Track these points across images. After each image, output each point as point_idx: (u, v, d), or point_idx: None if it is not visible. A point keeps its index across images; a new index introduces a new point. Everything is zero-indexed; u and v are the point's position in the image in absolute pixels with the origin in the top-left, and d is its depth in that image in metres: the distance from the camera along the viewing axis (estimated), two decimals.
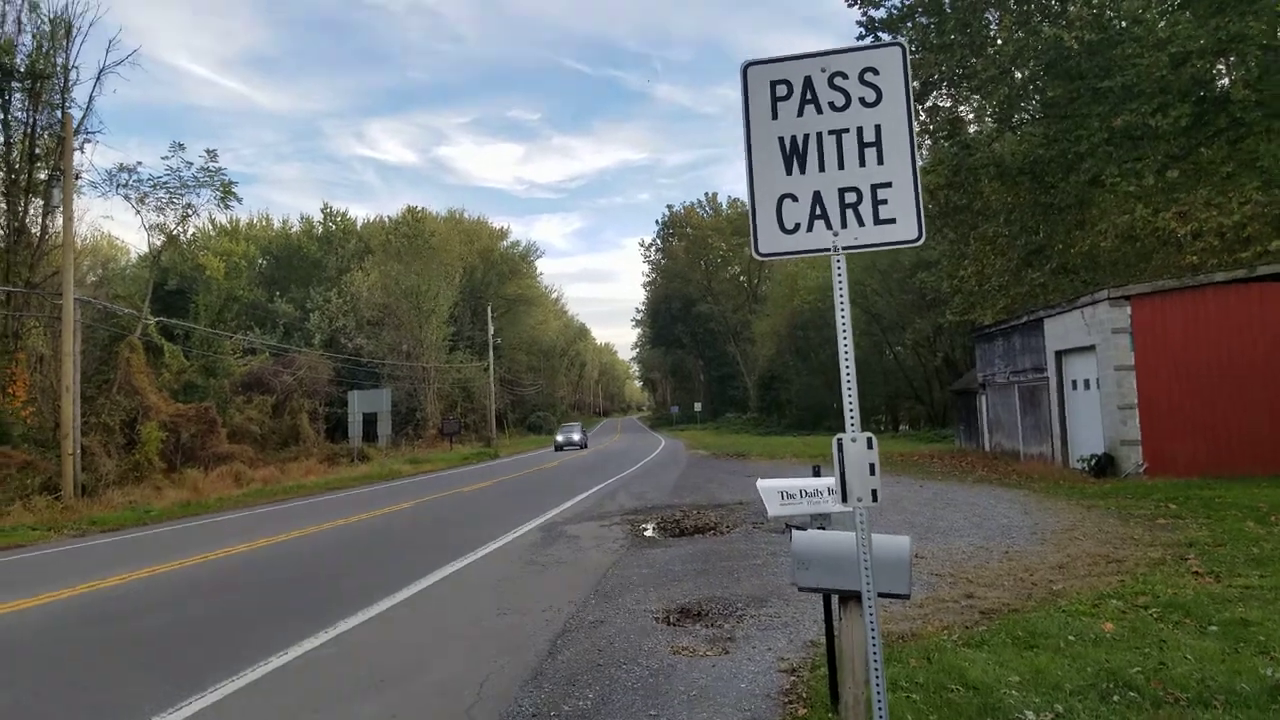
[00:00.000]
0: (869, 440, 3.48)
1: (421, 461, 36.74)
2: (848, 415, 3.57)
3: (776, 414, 63.32)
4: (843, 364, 3.61)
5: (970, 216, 24.38)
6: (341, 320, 51.25)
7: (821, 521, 4.42)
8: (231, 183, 33.93)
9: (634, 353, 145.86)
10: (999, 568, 8.37)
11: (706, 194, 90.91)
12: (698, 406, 79.86)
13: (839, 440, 3.50)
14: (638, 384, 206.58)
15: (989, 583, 7.68)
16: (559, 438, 48.83)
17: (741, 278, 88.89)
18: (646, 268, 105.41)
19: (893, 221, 3.62)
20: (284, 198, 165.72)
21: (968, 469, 20.66)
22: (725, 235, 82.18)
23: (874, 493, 3.46)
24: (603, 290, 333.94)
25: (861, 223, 3.64)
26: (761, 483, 4.48)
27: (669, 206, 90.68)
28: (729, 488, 18.92)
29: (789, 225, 3.69)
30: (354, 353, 49.91)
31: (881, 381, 52.45)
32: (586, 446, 48.77)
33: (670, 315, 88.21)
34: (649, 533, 12.37)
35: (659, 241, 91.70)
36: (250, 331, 46.19)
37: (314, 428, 40.88)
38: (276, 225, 63.73)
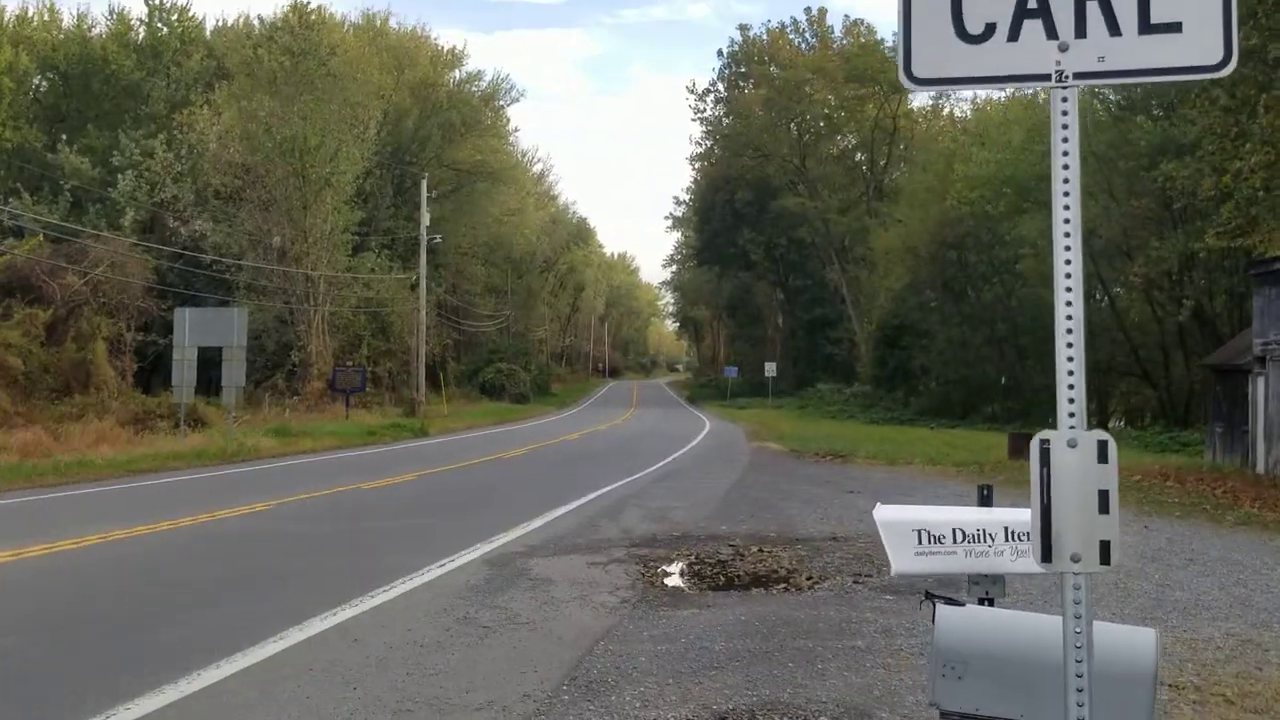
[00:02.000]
0: (1102, 446, 3.36)
1: (296, 434, 37.01)
2: (1065, 397, 3.42)
3: (903, 389, 63.74)
4: (1061, 299, 3.43)
5: (1261, 67, 23.93)
6: (171, 188, 51.41)
7: (988, 588, 4.25)
8: None
9: (667, 274, 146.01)
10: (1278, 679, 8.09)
11: (807, 10, 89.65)
12: (771, 370, 79.54)
13: (1043, 443, 3.37)
14: (670, 325, 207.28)
15: (1261, 706, 7.46)
16: None
17: (859, 155, 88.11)
18: (697, 130, 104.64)
19: (1175, 28, 3.42)
20: None
21: (1226, 501, 20.46)
22: (836, 82, 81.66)
23: (1105, 547, 3.30)
24: (621, 167, 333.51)
25: (1115, 27, 3.46)
26: (883, 512, 4.28)
27: (741, 28, 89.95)
28: (816, 510, 18.78)
29: (973, 27, 3.56)
30: (190, 245, 50.10)
31: (1087, 345, 51.91)
32: None
33: (733, 213, 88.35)
34: (673, 580, 12.31)
35: (720, 88, 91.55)
36: (12, 199, 46.21)
37: (116, 366, 41.11)
38: (67, 23, 63.75)
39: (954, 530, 4.25)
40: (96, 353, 40.40)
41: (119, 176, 50.64)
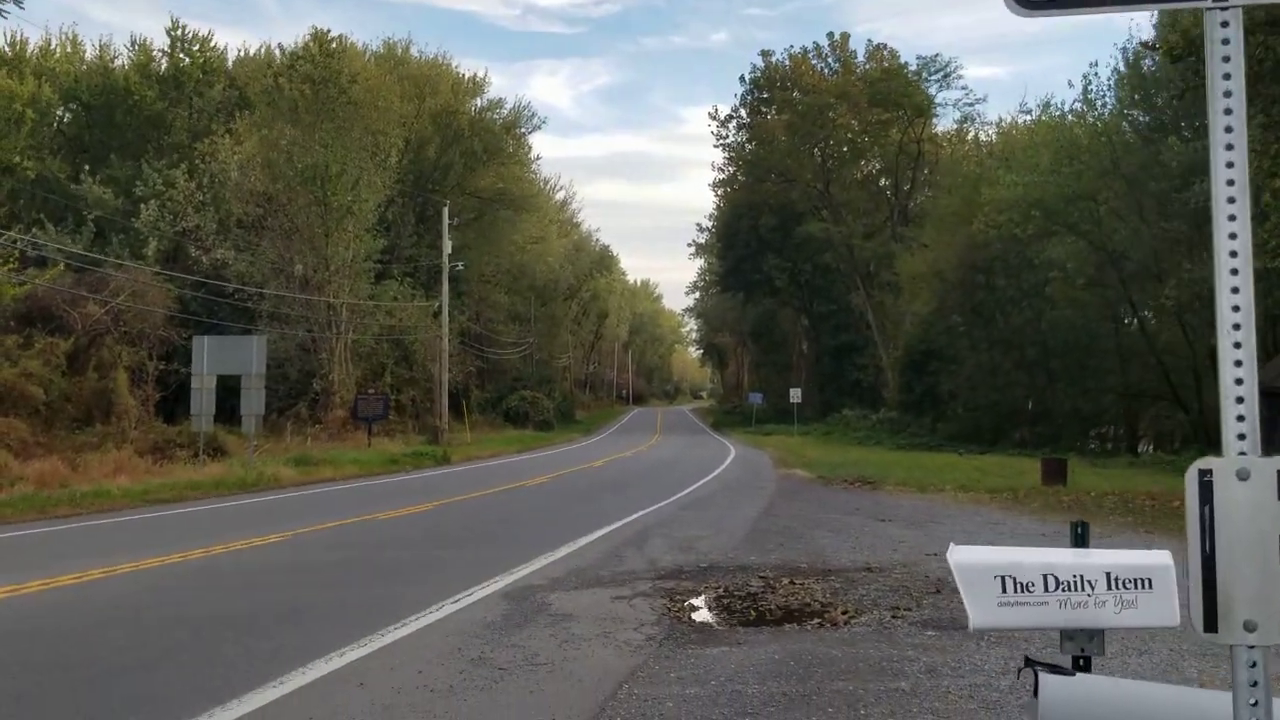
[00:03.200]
0: None
1: (317, 463, 36.85)
2: (1232, 413, 2.84)
3: (931, 414, 63.32)
4: (1225, 285, 2.80)
5: None
6: (194, 218, 51.38)
7: (1084, 645, 3.72)
8: None
9: (690, 300, 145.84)
10: None
11: (829, 35, 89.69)
12: (796, 396, 79.23)
13: (1203, 475, 2.78)
14: (694, 352, 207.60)
15: None
16: None
17: (883, 180, 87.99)
18: (720, 156, 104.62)
19: None
20: (105, 12, 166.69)
21: None
22: (860, 107, 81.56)
23: None
24: (644, 194, 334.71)
25: None
26: (959, 554, 3.73)
27: (764, 54, 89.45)
28: (848, 539, 18.39)
29: None
30: (212, 273, 49.96)
31: (1116, 368, 52.08)
32: None
33: (757, 238, 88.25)
34: (701, 614, 11.80)
35: (743, 113, 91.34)
36: (36, 229, 46.14)
37: (138, 395, 40.98)
38: (90, 55, 63.85)
39: (1045, 576, 3.65)
40: (118, 382, 40.32)
41: (142, 206, 50.60)
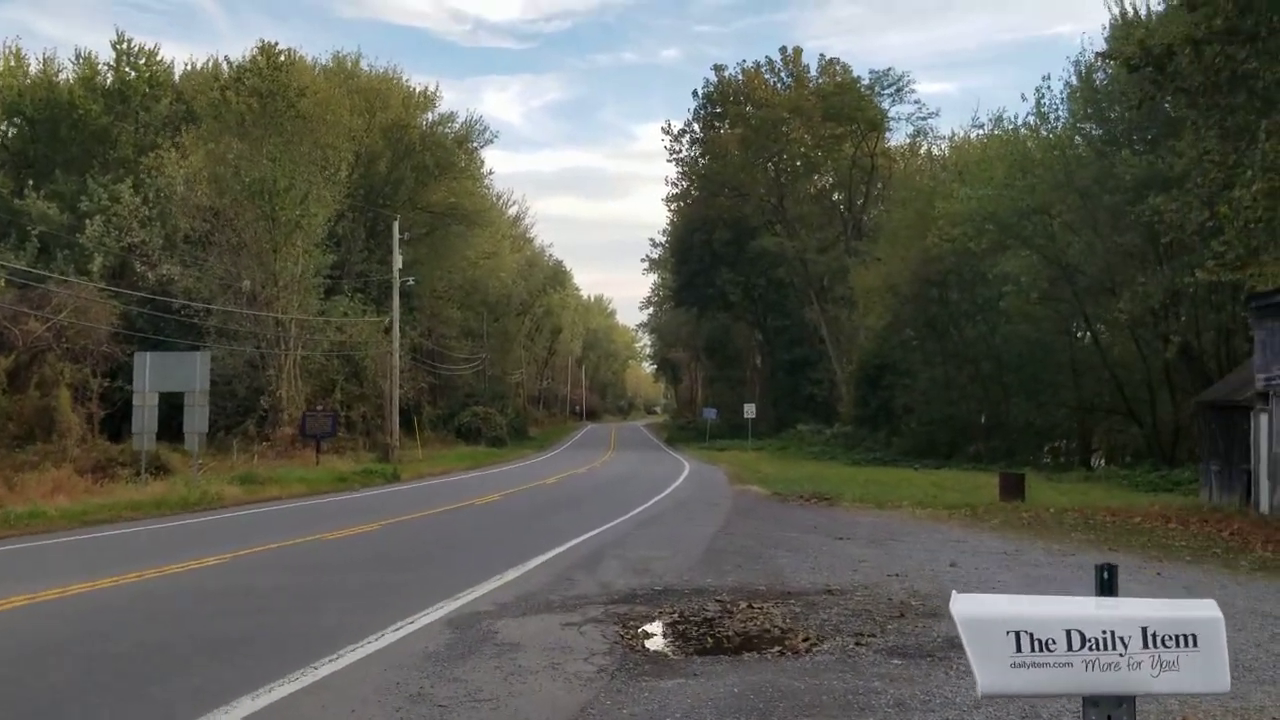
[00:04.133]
0: None
1: (263, 481, 36.36)
2: None
3: (885, 429, 63.47)
4: None
5: (1259, 93, 23.34)
6: (139, 233, 50.87)
7: (1111, 712, 3.30)
8: None
9: (644, 315, 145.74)
10: None
11: (782, 50, 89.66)
12: (750, 411, 79.31)
13: None
14: (648, 368, 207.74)
15: None
16: None
17: (837, 195, 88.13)
18: (673, 171, 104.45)
19: None
20: (50, 25, 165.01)
21: (1235, 544, 20.07)
22: (812, 120, 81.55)
23: None
24: (596, 210, 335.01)
25: None
26: (964, 605, 3.24)
27: (716, 68, 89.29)
28: (807, 559, 18.01)
29: None
30: (159, 289, 49.47)
31: (1070, 382, 52.35)
32: None
33: (711, 253, 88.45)
34: (655, 642, 11.35)
35: (696, 128, 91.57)
36: None
37: (81, 413, 40.50)
38: (34, 68, 63.01)
39: (1068, 632, 3.18)
40: (60, 399, 39.93)
41: (87, 222, 50.03)
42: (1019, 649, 3.13)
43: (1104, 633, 3.14)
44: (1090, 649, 3.14)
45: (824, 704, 8.55)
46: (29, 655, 10.53)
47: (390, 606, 12.95)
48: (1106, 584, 3.40)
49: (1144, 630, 3.09)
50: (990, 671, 3.13)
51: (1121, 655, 3.12)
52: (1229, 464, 27.95)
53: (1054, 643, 3.18)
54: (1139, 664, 3.06)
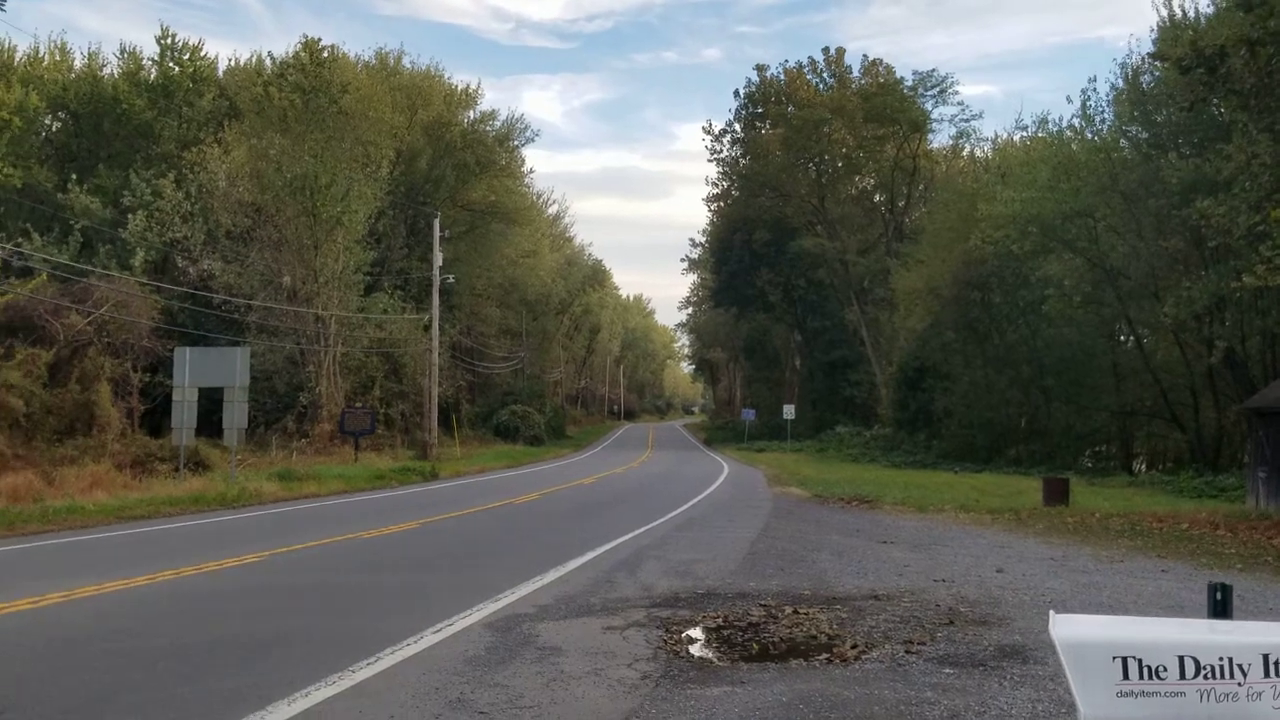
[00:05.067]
0: None
1: (301, 478, 36.22)
2: None
3: (925, 432, 63.15)
4: None
5: None
6: (181, 228, 51.09)
7: None
8: None
9: (683, 315, 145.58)
10: None
11: (824, 50, 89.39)
12: (789, 412, 78.98)
13: None
14: (686, 368, 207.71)
15: None
16: None
17: (878, 196, 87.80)
18: (714, 171, 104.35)
19: None
20: (95, 20, 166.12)
21: None
22: (854, 121, 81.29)
23: None
24: (636, 210, 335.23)
25: None
26: (1065, 627, 2.97)
27: (759, 68, 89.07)
28: (851, 563, 17.75)
29: None
30: (200, 284, 49.71)
31: (1112, 386, 51.87)
32: None
33: (750, 253, 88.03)
34: (699, 648, 11.08)
35: (737, 128, 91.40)
36: (22, 240, 45.70)
37: (122, 408, 40.67)
38: (79, 63, 63.43)
39: (1181, 659, 2.90)
40: (100, 394, 39.83)
41: (129, 216, 50.42)
42: (1126, 675, 2.86)
43: (1221, 659, 2.88)
44: (1205, 677, 2.86)
45: (876, 715, 8.28)
46: (59, 651, 10.37)
47: (428, 608, 12.79)
48: (1221, 605, 3.13)
49: (1265, 657, 2.83)
50: (1094, 700, 2.86)
51: (1240, 684, 2.84)
52: (1276, 470, 27.49)
53: (1165, 669, 2.89)
54: (1259, 694, 2.81)
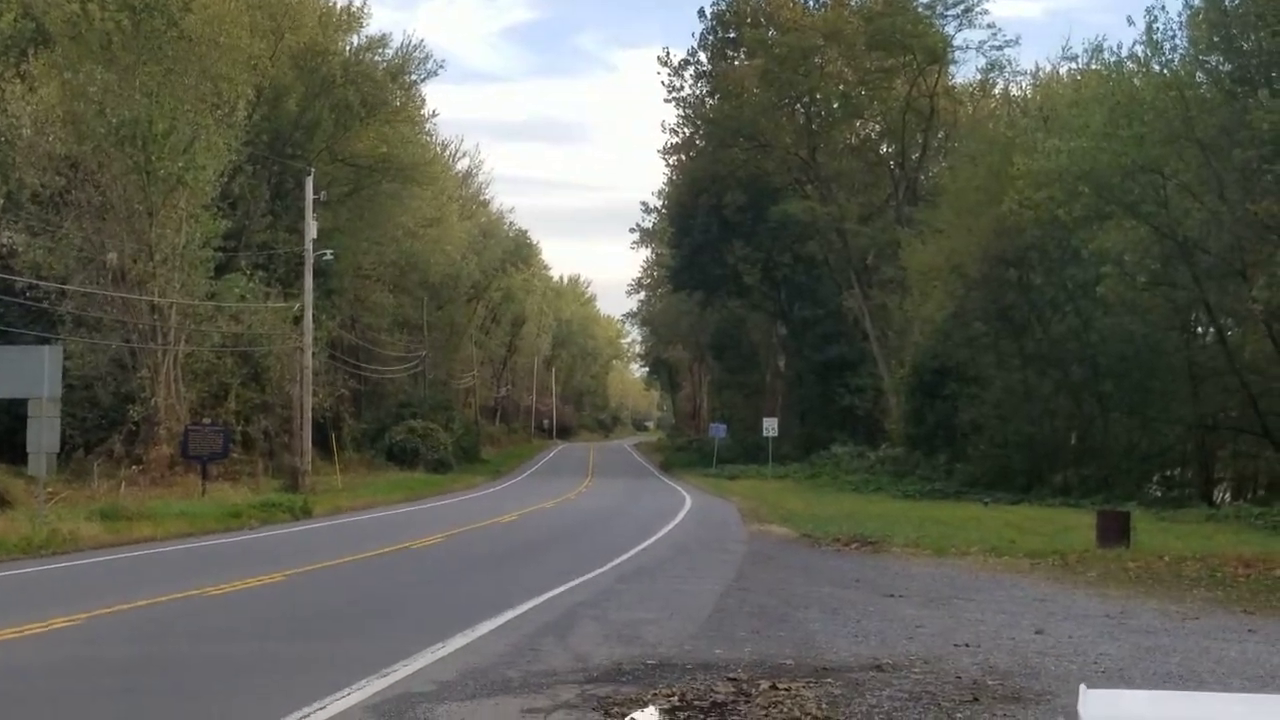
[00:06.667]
0: None
1: (132, 517, 35.97)
2: None
3: (946, 453, 63.70)
4: None
5: None
6: None
7: None
8: None
9: (634, 303, 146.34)
10: None
11: None
12: (771, 427, 79.51)
13: None
14: (638, 372, 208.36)
15: None
16: None
17: (886, 147, 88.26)
18: (673, 115, 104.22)
19: None
20: None
21: None
22: (854, 49, 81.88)
23: None
24: (571, 165, 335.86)
25: None
26: (1096, 703, 2.97)
27: None
28: (846, 623, 18.02)
29: None
30: None
31: (1187, 393, 52.14)
32: None
33: (721, 221, 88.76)
34: None
35: (703, 58, 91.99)
36: None
37: None
38: None
39: None
40: None
41: None
42: None
43: None
44: None
45: None
46: None
47: (293, 687, 12.85)
48: None
49: None
50: None
51: None
52: None
53: None
54: None
